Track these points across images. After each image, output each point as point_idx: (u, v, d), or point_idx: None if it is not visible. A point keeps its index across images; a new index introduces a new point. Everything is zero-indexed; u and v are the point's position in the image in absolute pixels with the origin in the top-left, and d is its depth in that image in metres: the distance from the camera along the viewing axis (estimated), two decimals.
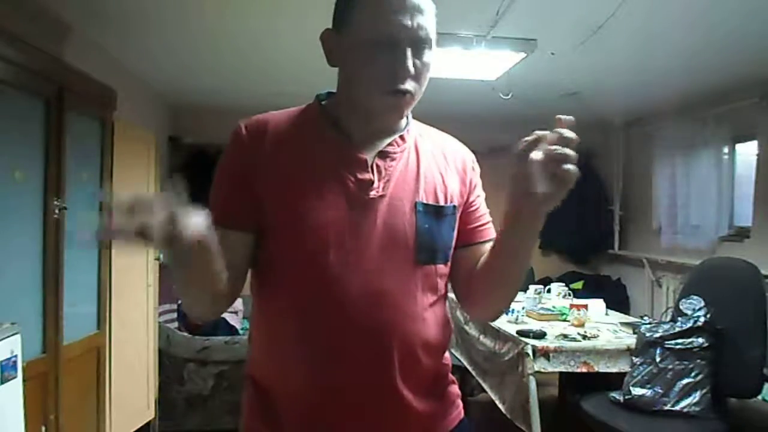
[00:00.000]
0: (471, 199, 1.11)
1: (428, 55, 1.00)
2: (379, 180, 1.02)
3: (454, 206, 1.07)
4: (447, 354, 1.15)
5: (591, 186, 5.36)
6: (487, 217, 1.14)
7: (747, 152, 4.05)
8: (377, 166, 1.03)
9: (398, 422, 1.03)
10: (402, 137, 1.07)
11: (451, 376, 1.16)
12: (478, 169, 1.15)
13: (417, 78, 0.99)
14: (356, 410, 1.00)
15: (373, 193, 1.01)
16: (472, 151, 1.18)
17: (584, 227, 5.29)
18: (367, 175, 1.01)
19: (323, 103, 1.09)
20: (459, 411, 1.14)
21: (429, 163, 1.07)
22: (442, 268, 1.06)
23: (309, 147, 1.03)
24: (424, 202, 1.03)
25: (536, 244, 0.97)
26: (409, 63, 0.97)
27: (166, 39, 3.13)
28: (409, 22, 0.96)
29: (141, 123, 3.66)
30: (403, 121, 1.09)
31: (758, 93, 3.70)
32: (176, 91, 4.45)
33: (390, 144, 1.05)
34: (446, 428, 1.10)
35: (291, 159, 1.01)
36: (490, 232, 1.13)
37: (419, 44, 0.98)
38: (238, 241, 1.00)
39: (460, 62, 3.05)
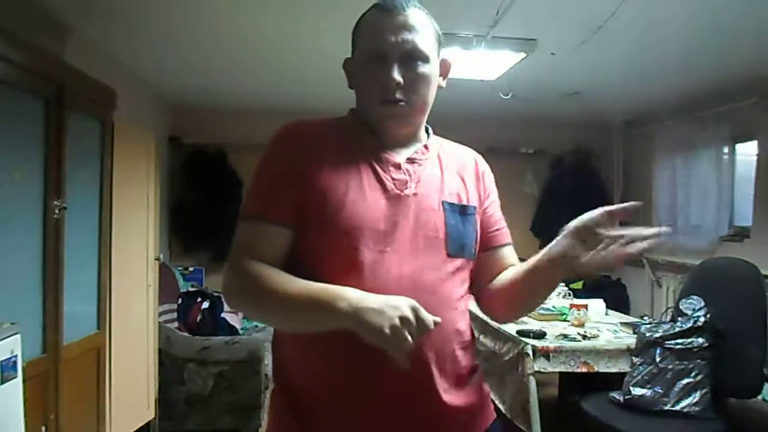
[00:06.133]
0: (486, 206, 1.21)
1: (423, 67, 1.09)
2: (410, 180, 1.11)
3: (475, 207, 1.17)
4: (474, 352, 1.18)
5: (591, 186, 5.35)
6: (502, 223, 1.24)
7: (747, 152, 4.05)
8: (407, 169, 1.12)
9: (438, 416, 1.05)
10: (426, 146, 1.17)
11: (482, 374, 1.18)
12: (491, 176, 1.25)
13: (408, 88, 1.08)
14: (396, 404, 1.02)
15: (407, 191, 1.09)
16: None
17: None
18: (402, 176, 1.11)
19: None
20: (492, 409, 1.18)
21: (450, 170, 1.17)
22: (469, 263, 1.14)
23: (349, 148, 1.11)
24: (450, 201, 1.13)
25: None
26: (395, 74, 1.06)
27: (166, 39, 3.13)
28: (395, 39, 1.07)
29: (141, 123, 3.66)
30: (424, 135, 1.19)
31: (758, 93, 3.70)
32: (177, 92, 4.45)
33: (415, 152, 1.15)
34: (483, 425, 1.13)
35: (333, 158, 1.09)
36: (505, 237, 1.23)
37: (408, 57, 1.08)
38: (279, 235, 1.06)
39: (460, 62, 3.04)
